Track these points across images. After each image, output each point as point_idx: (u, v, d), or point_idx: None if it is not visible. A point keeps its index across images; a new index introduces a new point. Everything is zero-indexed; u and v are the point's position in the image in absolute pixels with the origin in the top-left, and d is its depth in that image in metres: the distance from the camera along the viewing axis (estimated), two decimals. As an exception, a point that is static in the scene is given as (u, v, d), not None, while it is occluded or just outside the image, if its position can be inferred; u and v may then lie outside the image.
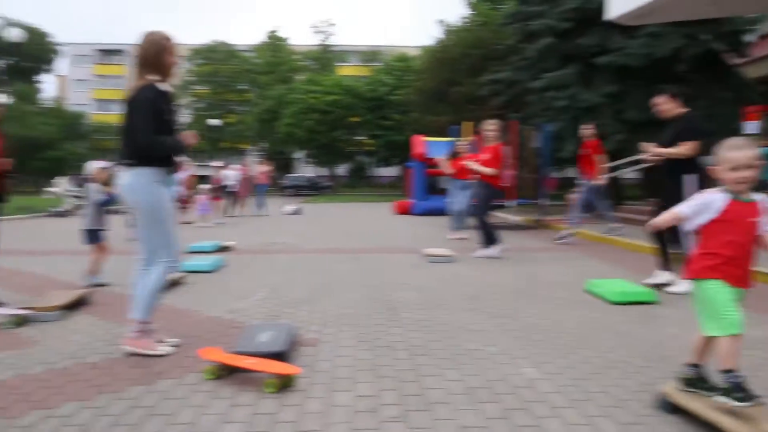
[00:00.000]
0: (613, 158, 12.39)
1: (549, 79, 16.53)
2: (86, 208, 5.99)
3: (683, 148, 5.31)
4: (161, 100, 3.52)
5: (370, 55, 56.94)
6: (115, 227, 7.98)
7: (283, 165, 48.54)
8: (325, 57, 53.48)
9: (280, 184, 40.14)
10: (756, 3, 12.47)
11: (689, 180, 5.26)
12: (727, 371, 2.39)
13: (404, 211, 17.39)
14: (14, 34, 23.65)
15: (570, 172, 18.67)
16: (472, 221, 9.31)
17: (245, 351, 3.26)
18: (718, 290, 2.46)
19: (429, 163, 16.80)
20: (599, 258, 7.94)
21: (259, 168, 18.59)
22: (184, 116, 49.60)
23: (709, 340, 2.57)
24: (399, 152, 39.51)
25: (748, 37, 17.30)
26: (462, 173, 9.88)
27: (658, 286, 5.55)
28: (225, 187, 16.04)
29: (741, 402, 2.33)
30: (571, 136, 16.08)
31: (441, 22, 31.50)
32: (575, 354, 3.57)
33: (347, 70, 54.71)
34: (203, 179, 16.95)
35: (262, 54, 51.26)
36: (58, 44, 53.72)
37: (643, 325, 4.29)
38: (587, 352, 3.62)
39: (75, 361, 3.42)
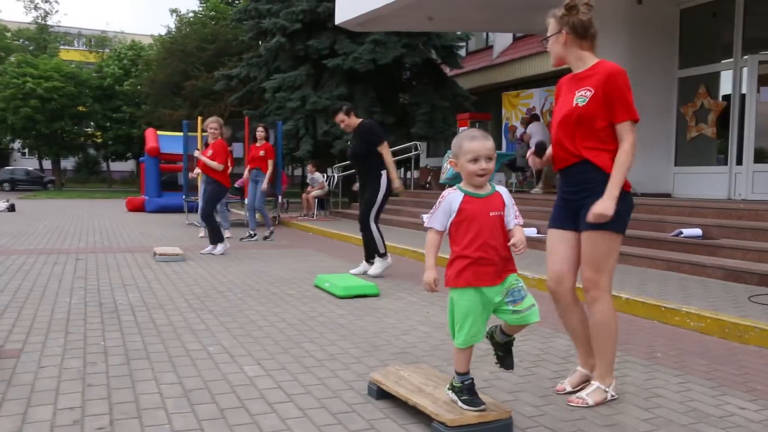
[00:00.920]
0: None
1: (280, 80, 16.80)
2: None
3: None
4: None
5: (98, 39, 51.67)
6: None
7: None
8: (43, 38, 47.22)
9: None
10: (462, 23, 14.23)
11: (383, 176, 6.22)
12: (460, 374, 2.45)
13: (137, 208, 16.59)
14: None
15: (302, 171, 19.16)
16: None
17: None
18: (460, 302, 2.38)
19: (163, 158, 15.91)
20: (328, 253, 8.31)
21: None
22: None
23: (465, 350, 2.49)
24: (133, 146, 37.10)
25: (461, 52, 19.71)
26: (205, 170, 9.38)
27: (365, 274, 6.24)
28: None
29: (466, 405, 2.38)
30: (308, 135, 16.59)
31: (174, 12, 30.02)
32: (297, 348, 3.60)
33: (72, 54, 48.98)
34: None
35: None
36: None
37: (364, 317, 4.51)
38: (309, 346, 3.68)
39: None
